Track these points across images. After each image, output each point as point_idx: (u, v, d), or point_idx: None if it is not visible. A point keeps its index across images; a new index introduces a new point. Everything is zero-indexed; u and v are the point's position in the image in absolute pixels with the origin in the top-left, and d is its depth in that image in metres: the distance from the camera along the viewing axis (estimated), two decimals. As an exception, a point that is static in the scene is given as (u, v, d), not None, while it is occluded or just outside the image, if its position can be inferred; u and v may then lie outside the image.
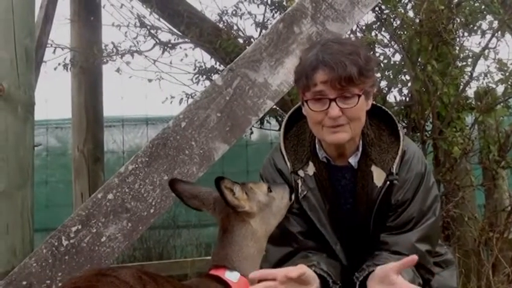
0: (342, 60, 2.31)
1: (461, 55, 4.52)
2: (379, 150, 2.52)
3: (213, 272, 2.14)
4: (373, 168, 2.50)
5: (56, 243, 2.79)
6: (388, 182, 2.47)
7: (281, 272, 2.15)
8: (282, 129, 2.68)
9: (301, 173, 2.59)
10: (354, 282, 2.42)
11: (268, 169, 2.68)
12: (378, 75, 4.67)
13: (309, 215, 2.56)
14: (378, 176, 2.49)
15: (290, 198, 2.40)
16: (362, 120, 2.43)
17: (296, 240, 2.58)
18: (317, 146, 2.57)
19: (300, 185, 2.56)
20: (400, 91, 4.73)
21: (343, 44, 2.42)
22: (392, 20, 4.66)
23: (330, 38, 2.81)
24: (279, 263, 2.59)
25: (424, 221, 2.49)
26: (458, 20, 4.41)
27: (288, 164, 2.59)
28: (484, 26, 4.49)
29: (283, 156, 2.62)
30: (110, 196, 2.84)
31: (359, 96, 2.33)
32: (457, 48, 4.50)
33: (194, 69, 5.61)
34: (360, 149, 2.53)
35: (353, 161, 2.54)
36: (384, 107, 2.66)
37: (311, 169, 2.58)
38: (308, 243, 2.57)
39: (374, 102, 2.57)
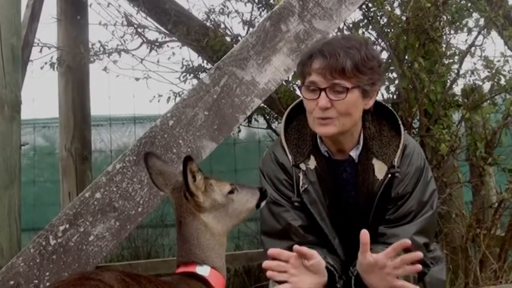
0: (337, 52, 2.34)
1: (448, 53, 4.53)
2: (380, 143, 2.54)
3: (184, 269, 2.13)
4: (374, 161, 2.53)
5: (44, 243, 2.79)
6: (389, 175, 2.49)
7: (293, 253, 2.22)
8: (282, 123, 2.67)
9: (302, 166, 2.59)
10: (350, 277, 2.44)
11: (269, 164, 2.66)
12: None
13: (309, 208, 2.57)
14: (379, 169, 2.51)
15: (258, 205, 2.31)
16: (353, 116, 2.44)
17: (297, 234, 2.58)
18: (318, 140, 2.58)
19: (301, 178, 2.56)
20: (387, 89, 4.74)
21: (347, 39, 2.46)
22: (379, 17, 4.67)
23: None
24: None
25: (422, 214, 2.52)
26: (445, 18, 4.42)
27: (290, 157, 2.59)
28: (471, 23, 4.52)
29: (284, 150, 2.61)
30: (98, 195, 2.84)
31: (347, 89, 2.34)
32: (444, 45, 4.52)
33: (181, 68, 5.59)
34: (361, 142, 2.55)
35: (354, 154, 2.56)
36: (384, 103, 2.68)
37: (312, 163, 2.59)
38: (308, 237, 2.58)
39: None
